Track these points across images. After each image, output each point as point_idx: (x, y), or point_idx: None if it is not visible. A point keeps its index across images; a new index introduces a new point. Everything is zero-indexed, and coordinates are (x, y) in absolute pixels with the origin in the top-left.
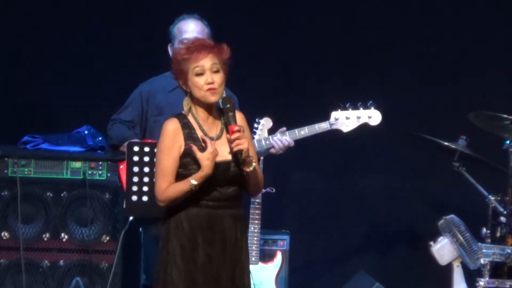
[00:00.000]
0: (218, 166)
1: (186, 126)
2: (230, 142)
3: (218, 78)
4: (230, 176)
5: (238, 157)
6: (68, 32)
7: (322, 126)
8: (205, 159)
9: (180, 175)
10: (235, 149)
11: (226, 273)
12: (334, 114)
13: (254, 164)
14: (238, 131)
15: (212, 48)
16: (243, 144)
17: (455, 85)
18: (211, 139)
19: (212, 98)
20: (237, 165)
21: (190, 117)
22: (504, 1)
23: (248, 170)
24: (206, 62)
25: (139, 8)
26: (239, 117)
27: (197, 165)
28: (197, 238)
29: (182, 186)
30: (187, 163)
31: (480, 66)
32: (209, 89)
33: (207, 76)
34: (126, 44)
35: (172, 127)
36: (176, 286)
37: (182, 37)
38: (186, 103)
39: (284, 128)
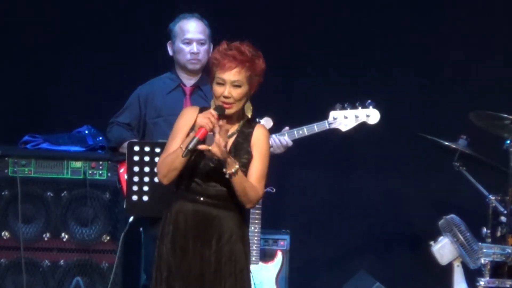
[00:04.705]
0: (202, 155)
1: None
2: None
3: (237, 94)
4: (211, 170)
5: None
6: (69, 32)
7: (321, 126)
8: (201, 115)
9: None
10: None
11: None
12: (333, 114)
13: (233, 169)
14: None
15: (243, 62)
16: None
17: (455, 84)
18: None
19: (225, 110)
20: (220, 163)
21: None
22: (504, 1)
23: (228, 171)
24: (230, 76)
25: (139, 8)
26: (258, 133)
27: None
28: (187, 233)
29: (172, 153)
30: None
31: (481, 65)
32: (223, 102)
33: (225, 89)
34: (126, 43)
35: (189, 116)
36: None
37: (184, 36)
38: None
39: (287, 128)
